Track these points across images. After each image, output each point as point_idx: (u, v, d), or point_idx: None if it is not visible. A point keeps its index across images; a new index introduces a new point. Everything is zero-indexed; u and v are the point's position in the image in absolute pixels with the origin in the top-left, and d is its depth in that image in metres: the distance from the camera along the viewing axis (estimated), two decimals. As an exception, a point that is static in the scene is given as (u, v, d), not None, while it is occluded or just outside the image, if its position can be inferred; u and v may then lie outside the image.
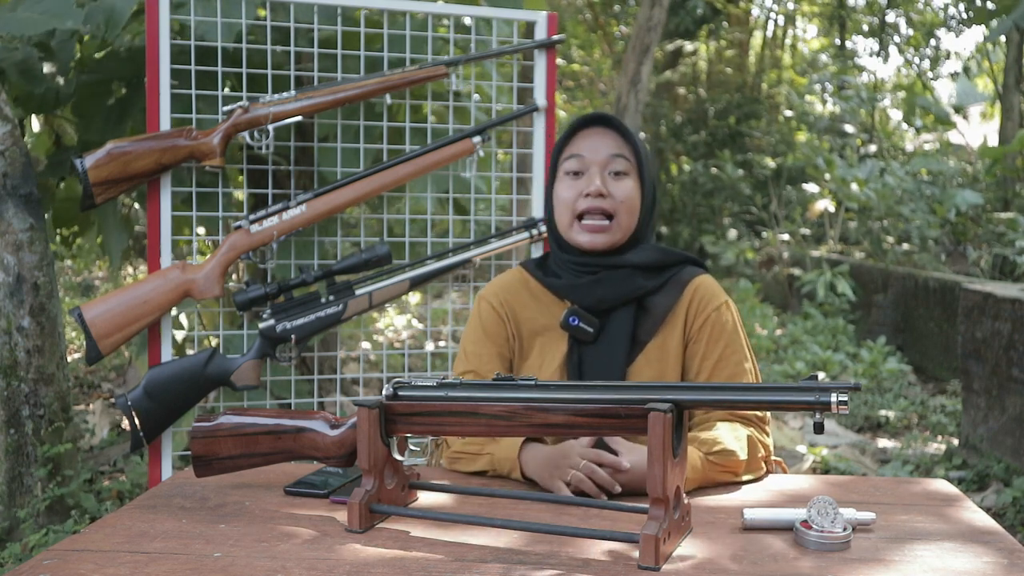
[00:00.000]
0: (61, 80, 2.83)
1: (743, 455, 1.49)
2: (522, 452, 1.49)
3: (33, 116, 3.38)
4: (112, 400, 4.41)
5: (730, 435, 1.50)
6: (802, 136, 10.32)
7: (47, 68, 2.79)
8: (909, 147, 11.02)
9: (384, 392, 1.31)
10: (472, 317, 1.73)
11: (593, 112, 1.69)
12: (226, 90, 2.42)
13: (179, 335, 3.12)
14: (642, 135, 9.58)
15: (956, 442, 4.19)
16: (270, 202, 2.37)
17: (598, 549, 1.19)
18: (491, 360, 1.66)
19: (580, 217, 1.62)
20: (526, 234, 2.41)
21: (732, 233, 10.04)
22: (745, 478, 1.50)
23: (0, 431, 2.50)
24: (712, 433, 1.49)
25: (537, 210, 2.51)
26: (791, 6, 12.80)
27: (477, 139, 2.38)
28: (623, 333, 1.61)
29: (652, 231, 1.71)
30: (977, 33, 12.04)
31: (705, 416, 1.58)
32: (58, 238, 3.62)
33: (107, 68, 2.81)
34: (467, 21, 2.57)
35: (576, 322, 1.61)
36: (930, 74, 12.18)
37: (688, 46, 11.64)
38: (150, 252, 2.29)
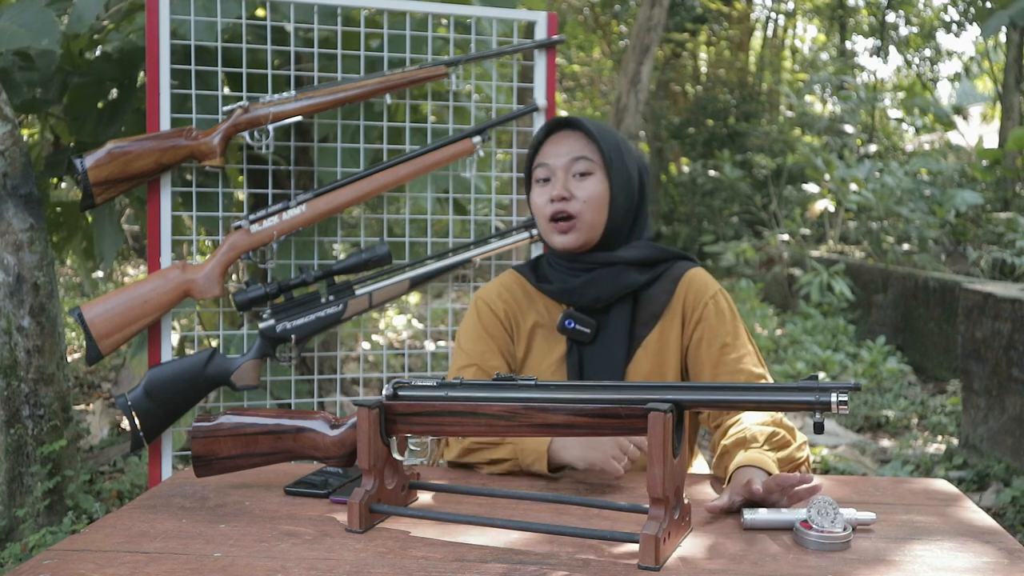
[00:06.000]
0: (39, 90, 2.81)
1: (784, 429, 1.49)
2: (553, 442, 1.49)
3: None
4: (112, 400, 4.41)
5: (760, 419, 1.50)
6: (801, 136, 10.31)
7: (29, 77, 2.78)
8: (909, 147, 11.01)
9: (384, 392, 1.32)
10: (469, 317, 1.75)
11: (555, 117, 1.72)
12: (226, 90, 2.42)
13: (175, 338, 3.11)
14: (641, 133, 9.56)
15: (956, 442, 4.19)
16: (270, 202, 2.37)
17: (598, 549, 1.19)
18: (493, 356, 1.69)
19: (554, 220, 1.66)
20: (526, 234, 2.41)
21: (732, 233, 10.03)
22: (800, 440, 1.50)
23: (0, 431, 2.50)
24: (751, 427, 1.48)
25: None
26: (790, 6, 12.80)
27: (477, 139, 2.38)
28: (621, 330, 1.64)
29: (642, 227, 1.72)
30: (976, 33, 12.03)
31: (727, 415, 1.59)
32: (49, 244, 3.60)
33: (99, 70, 2.81)
34: (470, 14, 2.56)
35: (572, 325, 1.64)
36: (929, 74, 12.18)
37: (685, 34, 11.63)
38: (150, 252, 2.29)
